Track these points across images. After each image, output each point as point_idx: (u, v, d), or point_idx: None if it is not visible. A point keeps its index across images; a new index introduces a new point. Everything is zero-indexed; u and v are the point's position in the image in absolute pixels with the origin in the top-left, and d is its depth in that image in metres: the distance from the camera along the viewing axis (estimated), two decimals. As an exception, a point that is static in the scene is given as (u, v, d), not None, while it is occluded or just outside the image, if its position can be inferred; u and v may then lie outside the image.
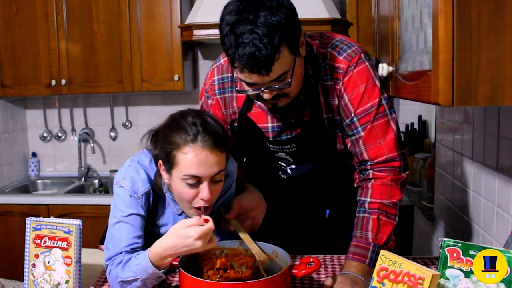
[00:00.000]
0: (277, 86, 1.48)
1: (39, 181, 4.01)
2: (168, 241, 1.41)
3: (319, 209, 1.95)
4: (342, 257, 1.82)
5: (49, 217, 3.32)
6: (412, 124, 3.42)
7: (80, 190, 3.83)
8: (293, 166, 1.83)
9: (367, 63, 1.63)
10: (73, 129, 4.07)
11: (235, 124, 1.79)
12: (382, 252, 1.30)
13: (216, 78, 1.77)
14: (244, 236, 1.60)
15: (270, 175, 1.88)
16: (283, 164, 1.84)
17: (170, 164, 1.48)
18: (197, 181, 1.46)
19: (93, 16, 3.52)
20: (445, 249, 1.27)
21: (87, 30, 3.54)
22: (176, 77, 3.46)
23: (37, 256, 1.48)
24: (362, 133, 1.63)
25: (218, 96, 1.77)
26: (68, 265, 1.46)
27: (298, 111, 1.68)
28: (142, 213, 1.57)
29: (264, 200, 1.78)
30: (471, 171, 1.97)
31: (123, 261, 1.48)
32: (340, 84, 1.62)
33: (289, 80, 1.48)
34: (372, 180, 1.64)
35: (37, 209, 3.38)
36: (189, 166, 1.44)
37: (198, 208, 1.51)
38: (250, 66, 1.40)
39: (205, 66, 3.82)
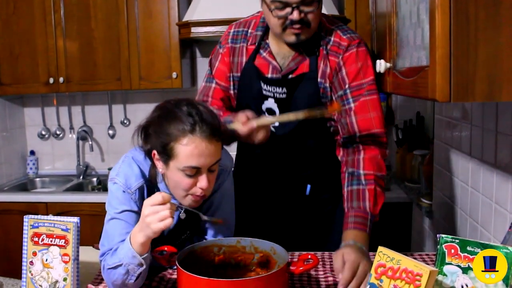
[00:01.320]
0: (304, 7, 1.65)
1: (37, 179, 4.00)
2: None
3: (300, 183, 1.96)
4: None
5: (47, 215, 3.31)
6: (411, 120, 3.42)
7: (79, 188, 3.83)
8: (277, 124, 1.86)
9: (365, 48, 1.80)
10: (71, 127, 4.06)
11: (238, 74, 1.91)
12: (380, 248, 1.30)
13: (232, 30, 1.95)
14: (272, 119, 1.75)
15: None
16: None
17: (167, 156, 1.48)
18: (196, 172, 1.47)
19: (90, 14, 3.51)
20: (443, 246, 1.27)
21: (85, 28, 3.53)
22: (174, 75, 3.46)
23: (35, 254, 1.48)
24: (353, 104, 1.76)
25: (229, 45, 1.92)
26: (66, 262, 1.46)
27: (297, 63, 1.81)
28: (136, 209, 1.56)
29: None
30: (469, 167, 1.97)
31: (113, 250, 1.51)
32: (340, 58, 1.77)
33: (317, 4, 1.66)
34: (362, 152, 1.73)
35: (35, 207, 3.38)
36: (189, 157, 1.45)
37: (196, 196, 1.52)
38: None
39: (203, 64, 3.82)
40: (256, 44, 1.87)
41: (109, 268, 1.48)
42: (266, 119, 1.71)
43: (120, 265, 1.45)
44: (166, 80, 3.49)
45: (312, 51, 1.79)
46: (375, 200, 1.66)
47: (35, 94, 3.89)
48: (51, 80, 3.57)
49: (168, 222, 1.37)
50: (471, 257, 1.24)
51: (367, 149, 1.73)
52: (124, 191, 1.56)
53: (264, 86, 1.85)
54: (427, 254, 1.82)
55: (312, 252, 1.69)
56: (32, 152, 4.08)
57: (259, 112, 1.84)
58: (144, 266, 1.46)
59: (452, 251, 1.26)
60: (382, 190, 1.71)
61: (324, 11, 3.05)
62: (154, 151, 1.52)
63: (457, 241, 1.26)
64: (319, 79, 1.79)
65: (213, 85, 1.94)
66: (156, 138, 1.50)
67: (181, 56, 3.49)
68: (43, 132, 4.08)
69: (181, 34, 3.40)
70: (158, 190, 1.61)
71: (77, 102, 4.02)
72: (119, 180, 1.57)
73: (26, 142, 4.12)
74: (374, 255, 1.31)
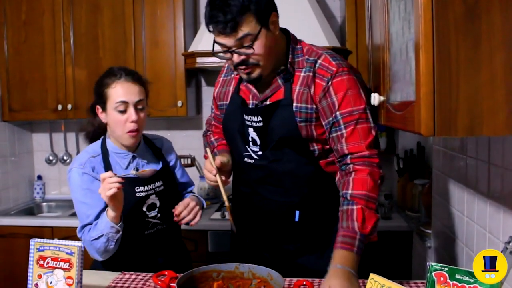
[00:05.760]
0: (241, 50, 1.71)
1: (44, 203, 4.05)
2: None
3: (289, 210, 1.94)
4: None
5: (53, 239, 3.34)
6: (412, 150, 3.46)
7: (84, 213, 3.86)
8: (260, 153, 1.93)
9: (354, 77, 1.81)
10: (78, 153, 4.11)
11: (226, 102, 2.04)
12: (372, 275, 1.34)
13: (226, 65, 2.10)
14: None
15: (239, 159, 2.01)
16: (251, 147, 1.96)
17: (104, 100, 1.95)
18: (125, 107, 1.93)
19: (99, 43, 3.61)
20: (433, 273, 1.31)
21: (93, 56, 3.63)
22: (179, 103, 3.52)
23: (40, 276, 1.53)
24: (345, 131, 1.77)
25: (222, 78, 2.11)
26: (69, 285, 1.50)
27: (272, 90, 1.88)
28: (91, 186, 1.94)
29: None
30: (465, 197, 2.00)
31: (93, 225, 1.89)
32: (329, 82, 1.78)
33: (251, 43, 1.69)
34: (353, 174, 1.74)
35: (41, 231, 3.43)
36: (118, 95, 1.92)
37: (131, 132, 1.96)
38: (217, 27, 1.67)
39: (208, 92, 3.90)
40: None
41: (92, 240, 1.85)
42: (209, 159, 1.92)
43: (102, 235, 1.84)
44: (172, 108, 3.56)
45: (287, 78, 1.84)
46: (363, 219, 1.66)
47: (43, 120, 3.97)
48: (60, 107, 3.66)
49: (112, 191, 1.73)
50: (459, 285, 1.28)
51: (358, 171, 1.74)
52: (80, 173, 1.95)
53: (245, 117, 1.93)
54: (422, 282, 1.85)
55: (309, 279, 1.73)
56: (39, 177, 4.15)
57: (246, 142, 1.95)
58: (120, 233, 1.86)
59: (441, 279, 1.30)
60: (372, 210, 1.70)
61: (325, 43, 3.15)
62: (98, 106, 1.98)
63: (446, 269, 1.30)
64: (295, 104, 1.82)
65: (212, 114, 2.22)
66: (96, 95, 1.98)
67: (187, 85, 3.57)
68: (51, 158, 4.15)
69: (186, 63, 3.48)
70: (107, 156, 2.01)
71: (85, 128, 4.09)
72: (74, 166, 1.98)
73: (33, 167, 4.19)
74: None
